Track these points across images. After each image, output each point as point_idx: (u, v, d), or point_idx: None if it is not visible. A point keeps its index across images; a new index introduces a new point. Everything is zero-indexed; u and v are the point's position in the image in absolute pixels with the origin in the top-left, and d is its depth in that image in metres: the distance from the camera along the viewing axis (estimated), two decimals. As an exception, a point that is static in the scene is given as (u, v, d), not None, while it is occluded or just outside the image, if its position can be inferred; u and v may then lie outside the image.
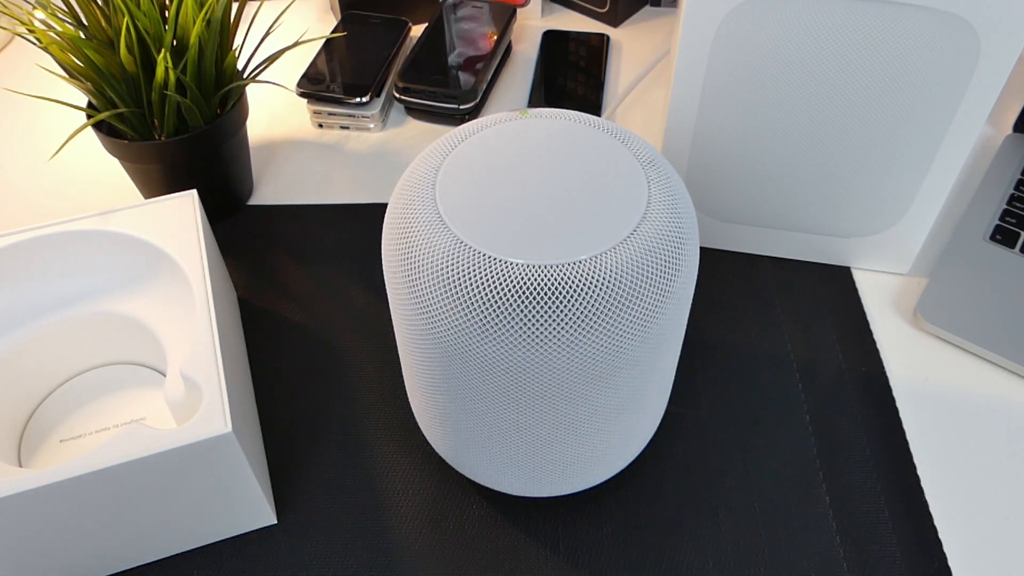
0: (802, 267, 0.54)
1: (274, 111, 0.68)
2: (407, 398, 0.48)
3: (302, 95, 0.64)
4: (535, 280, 0.31)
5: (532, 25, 0.76)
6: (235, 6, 0.68)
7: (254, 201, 0.60)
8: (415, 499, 0.43)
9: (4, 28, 0.48)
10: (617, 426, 0.37)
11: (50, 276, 0.46)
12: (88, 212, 0.53)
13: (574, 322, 0.31)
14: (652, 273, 0.32)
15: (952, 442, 0.46)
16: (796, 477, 0.44)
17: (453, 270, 0.32)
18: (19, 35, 0.51)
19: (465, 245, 0.32)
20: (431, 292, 0.32)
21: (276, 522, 0.43)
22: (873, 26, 0.42)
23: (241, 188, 0.58)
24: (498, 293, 0.31)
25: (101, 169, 0.63)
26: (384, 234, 0.36)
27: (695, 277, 0.36)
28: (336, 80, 0.64)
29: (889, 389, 0.48)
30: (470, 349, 0.32)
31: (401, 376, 0.49)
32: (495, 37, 0.68)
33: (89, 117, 0.56)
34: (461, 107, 0.63)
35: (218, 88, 0.53)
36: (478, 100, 0.64)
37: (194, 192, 0.47)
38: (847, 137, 0.47)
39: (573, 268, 0.32)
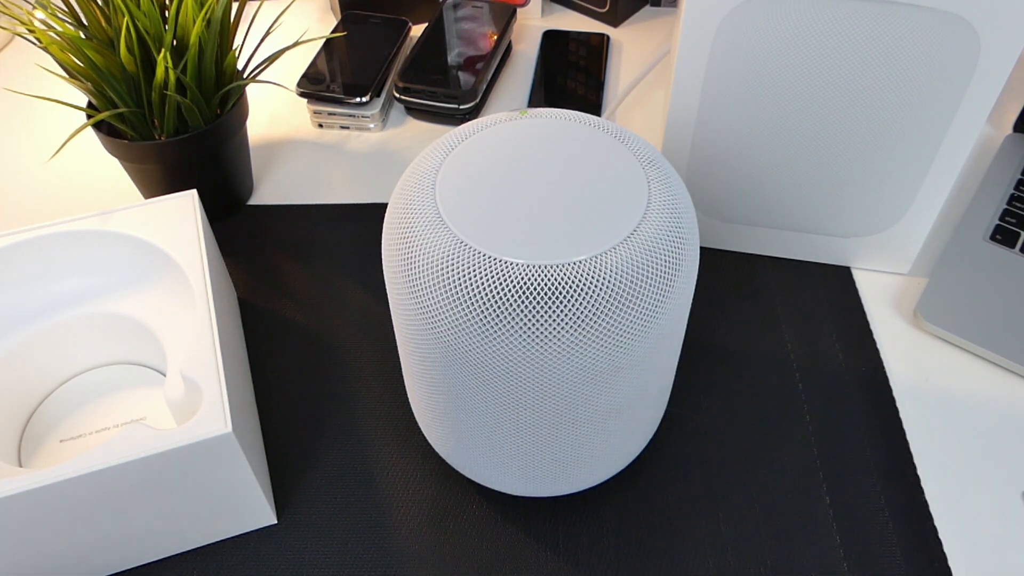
0: (802, 267, 0.54)
1: (274, 111, 0.68)
2: (407, 398, 0.48)
3: (302, 95, 0.64)
4: (535, 280, 0.31)
5: (532, 25, 0.76)
6: (235, 6, 0.68)
7: (254, 201, 0.60)
8: (415, 499, 0.43)
9: (4, 28, 0.48)
10: (617, 426, 0.37)
11: (50, 276, 0.46)
12: (88, 212, 0.53)
13: (574, 322, 0.31)
14: (652, 273, 0.32)
15: (952, 442, 0.46)
16: (796, 477, 0.44)
17: (453, 270, 0.32)
18: (19, 35, 0.51)
19: (465, 245, 0.32)
20: (431, 292, 0.32)
21: (276, 522, 0.43)
22: (873, 26, 0.42)
23: (241, 188, 0.58)
24: (498, 293, 0.31)
25: (101, 169, 0.63)
26: (384, 234, 0.36)
27: (695, 277, 0.36)
28: (336, 80, 0.64)
29: (889, 389, 0.48)
30: (470, 349, 0.32)
31: (401, 376, 0.49)
32: (495, 37, 0.68)
33: (89, 117, 0.56)
34: (461, 107, 0.63)
35: (218, 88, 0.53)
36: (478, 100, 0.64)
37: (194, 192, 0.47)
38: (847, 137, 0.47)
39: (573, 268, 0.32)
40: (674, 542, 0.42)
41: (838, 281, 0.54)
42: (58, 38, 0.48)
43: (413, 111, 0.66)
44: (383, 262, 0.36)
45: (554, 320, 0.31)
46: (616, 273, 0.32)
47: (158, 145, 0.51)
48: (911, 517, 0.43)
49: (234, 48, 0.53)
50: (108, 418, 0.45)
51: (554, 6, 0.78)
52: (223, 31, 0.51)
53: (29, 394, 0.45)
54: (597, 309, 0.31)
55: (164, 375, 0.47)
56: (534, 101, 0.67)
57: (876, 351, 0.50)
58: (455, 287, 0.32)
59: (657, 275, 0.33)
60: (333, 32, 0.71)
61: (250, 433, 0.42)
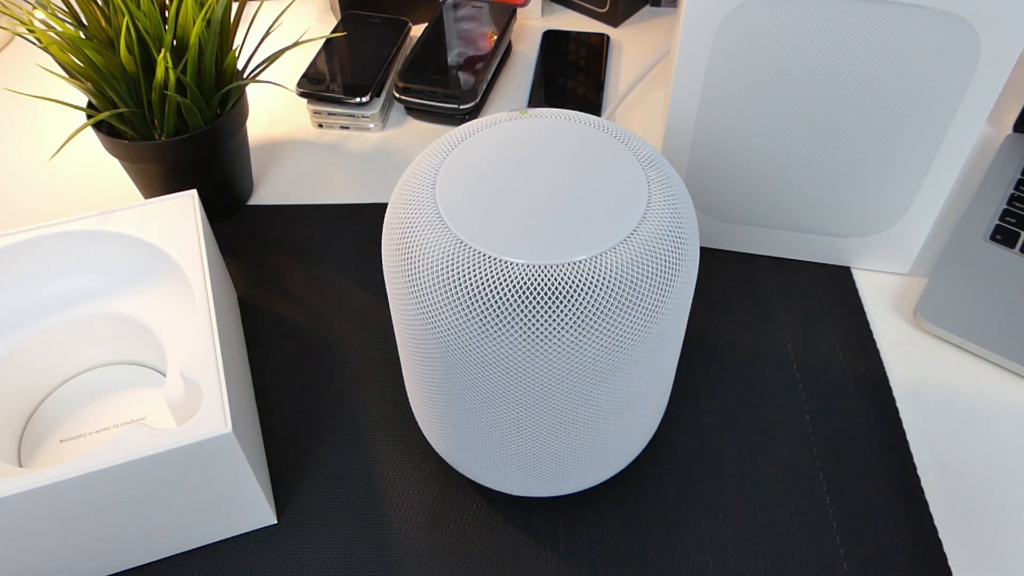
0: (802, 267, 0.54)
1: (274, 111, 0.68)
2: (407, 398, 0.48)
3: (302, 95, 0.64)
4: (535, 280, 0.31)
5: (532, 25, 0.76)
6: (235, 6, 0.68)
7: (254, 201, 0.60)
8: (415, 499, 0.43)
9: (4, 28, 0.48)
10: (617, 426, 0.37)
11: (50, 276, 0.46)
12: (88, 212, 0.53)
13: (574, 322, 0.31)
14: (652, 273, 0.32)
15: (952, 442, 0.46)
16: (796, 477, 0.44)
17: (453, 270, 0.32)
18: (19, 35, 0.51)
19: (465, 245, 0.32)
20: (431, 292, 0.32)
21: (276, 522, 0.43)
22: (873, 26, 0.42)
23: (241, 188, 0.58)
24: (498, 293, 0.31)
25: (101, 169, 0.63)
26: (384, 234, 0.36)
27: (695, 277, 0.36)
28: (336, 80, 0.64)
29: (889, 389, 0.48)
30: (470, 349, 0.32)
31: (401, 376, 0.49)
32: (495, 37, 0.68)
33: (89, 117, 0.56)
34: (461, 107, 0.63)
35: (218, 88, 0.53)
36: (478, 100, 0.64)
37: (194, 192, 0.47)
38: (847, 137, 0.47)
39: (573, 268, 0.32)
40: (674, 542, 0.42)
41: (838, 281, 0.54)
42: (58, 38, 0.48)
43: (413, 111, 0.66)
44: (383, 262, 0.36)
45: (554, 320, 0.31)
46: (616, 273, 0.32)
47: (158, 145, 0.51)
48: (911, 517, 0.43)
49: (234, 48, 0.53)
50: (108, 418, 0.45)
51: (554, 6, 0.78)
52: (223, 31, 0.51)
53: (29, 394, 0.45)
54: (597, 309, 0.31)
55: (164, 375, 0.47)
56: (534, 101, 0.67)
57: (876, 351, 0.50)
58: (455, 287, 0.32)
59: (657, 275, 0.33)
60: (333, 32, 0.71)
61: (250, 433, 0.42)
